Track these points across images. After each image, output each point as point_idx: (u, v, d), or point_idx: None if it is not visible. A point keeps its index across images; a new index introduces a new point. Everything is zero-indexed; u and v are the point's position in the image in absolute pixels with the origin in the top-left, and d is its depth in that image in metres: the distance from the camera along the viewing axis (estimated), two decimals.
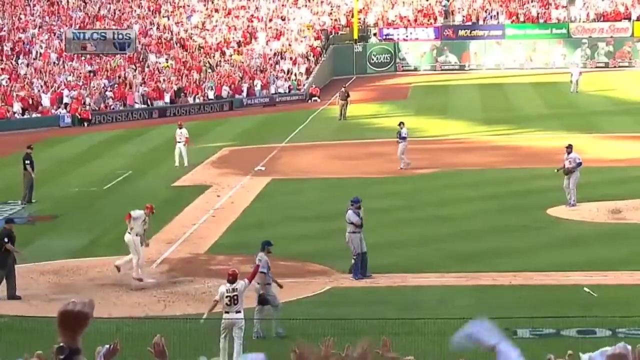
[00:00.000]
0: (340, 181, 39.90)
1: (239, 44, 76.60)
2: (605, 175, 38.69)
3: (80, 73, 65.54)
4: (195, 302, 24.32)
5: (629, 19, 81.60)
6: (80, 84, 64.15)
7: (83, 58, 66.17)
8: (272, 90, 70.26)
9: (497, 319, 20.72)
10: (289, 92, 70.75)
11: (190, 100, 66.49)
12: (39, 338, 18.54)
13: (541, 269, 26.74)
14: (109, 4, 77.50)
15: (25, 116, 59.56)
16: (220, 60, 72.90)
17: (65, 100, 61.69)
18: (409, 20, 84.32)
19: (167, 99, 65.72)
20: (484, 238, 30.07)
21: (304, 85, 71.72)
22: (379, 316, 21.70)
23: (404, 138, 41.75)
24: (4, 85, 61.53)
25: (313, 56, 76.49)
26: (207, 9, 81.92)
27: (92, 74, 65.78)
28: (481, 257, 27.94)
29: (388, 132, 42.67)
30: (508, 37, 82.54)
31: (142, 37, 72.13)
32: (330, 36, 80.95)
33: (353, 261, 26.09)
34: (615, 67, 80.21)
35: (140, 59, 69.99)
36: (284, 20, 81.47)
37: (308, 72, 73.81)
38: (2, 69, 63.96)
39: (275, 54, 75.40)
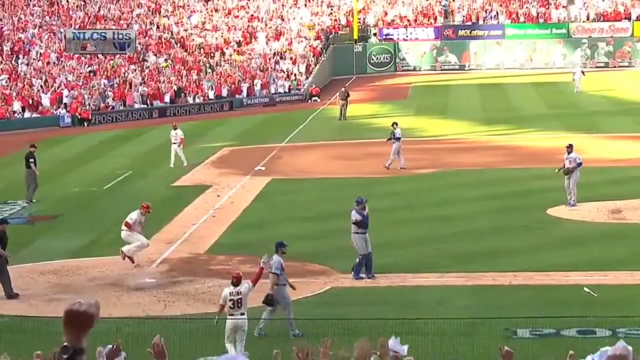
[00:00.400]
0: (340, 181, 39.89)
1: (239, 43, 76.60)
2: (605, 175, 38.67)
3: (80, 73, 65.54)
4: (195, 302, 24.31)
5: (629, 18, 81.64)
6: (80, 83, 64.14)
7: (83, 58, 66.16)
8: (272, 90, 70.28)
9: (497, 319, 20.87)
10: (289, 92, 70.76)
11: (190, 100, 66.51)
12: (38, 338, 18.55)
13: (541, 269, 26.70)
14: (109, 4, 77.50)
15: (25, 116, 59.60)
16: (220, 60, 72.94)
17: (65, 100, 61.70)
18: (409, 20, 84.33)
19: (167, 98, 65.72)
20: (484, 238, 30.04)
21: (303, 85, 71.72)
22: (378, 316, 21.64)
23: (398, 138, 41.75)
24: (3, 85, 61.55)
25: (313, 56, 76.49)
26: (207, 9, 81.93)
27: (92, 74, 65.78)
28: (481, 257, 27.90)
29: (388, 132, 42.66)
30: (508, 37, 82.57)
31: (142, 37, 72.12)
32: (330, 36, 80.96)
33: (357, 260, 26.07)
34: (615, 67, 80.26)
35: (140, 59, 69.99)
36: (284, 20, 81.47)
37: (308, 72, 73.81)
38: (2, 69, 63.97)
39: (275, 54, 75.42)
